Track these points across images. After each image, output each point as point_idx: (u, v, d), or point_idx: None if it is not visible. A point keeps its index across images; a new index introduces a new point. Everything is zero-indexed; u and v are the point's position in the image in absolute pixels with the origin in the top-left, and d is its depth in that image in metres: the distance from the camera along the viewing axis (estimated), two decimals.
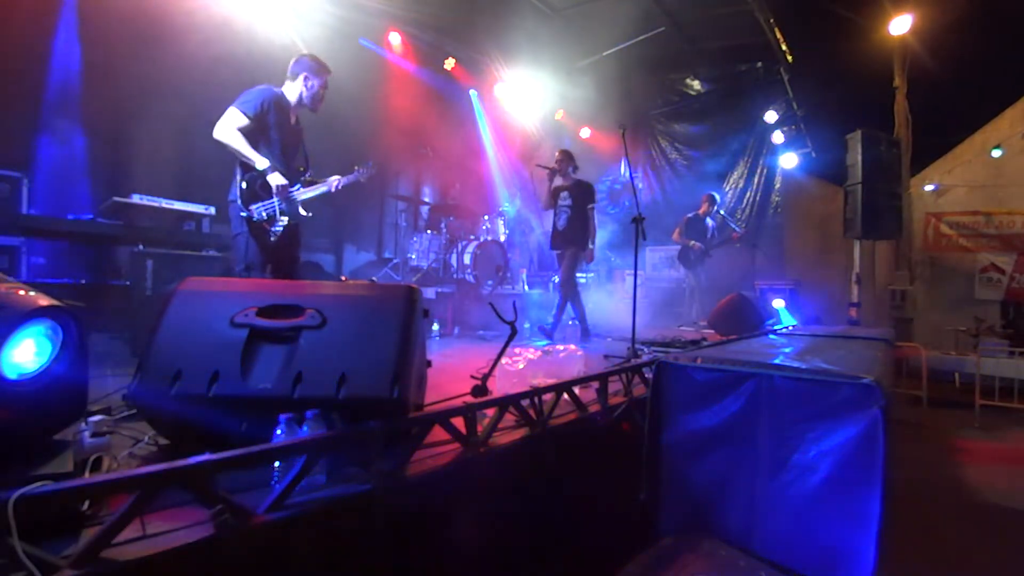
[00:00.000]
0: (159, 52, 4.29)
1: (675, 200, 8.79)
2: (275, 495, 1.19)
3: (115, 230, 3.59)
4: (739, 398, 1.85)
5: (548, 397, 2.05)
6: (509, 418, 1.87)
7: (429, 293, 5.25)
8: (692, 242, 6.67)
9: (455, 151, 7.45)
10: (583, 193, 4.77)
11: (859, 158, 5.64)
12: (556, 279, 5.86)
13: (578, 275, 7.20)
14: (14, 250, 3.53)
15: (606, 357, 3.47)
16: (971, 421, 4.55)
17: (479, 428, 1.72)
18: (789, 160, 7.89)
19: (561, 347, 2.79)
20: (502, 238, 6.33)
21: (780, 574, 1.65)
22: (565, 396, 2.12)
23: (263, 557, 1.14)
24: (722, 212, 7.44)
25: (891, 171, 5.96)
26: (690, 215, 6.87)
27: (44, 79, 4.03)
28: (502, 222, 6.47)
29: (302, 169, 3.08)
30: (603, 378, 2.36)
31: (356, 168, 3.18)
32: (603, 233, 8.01)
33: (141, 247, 3.42)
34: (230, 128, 2.74)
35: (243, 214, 2.78)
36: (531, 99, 7.95)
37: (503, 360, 2.29)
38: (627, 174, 8.85)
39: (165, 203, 3.81)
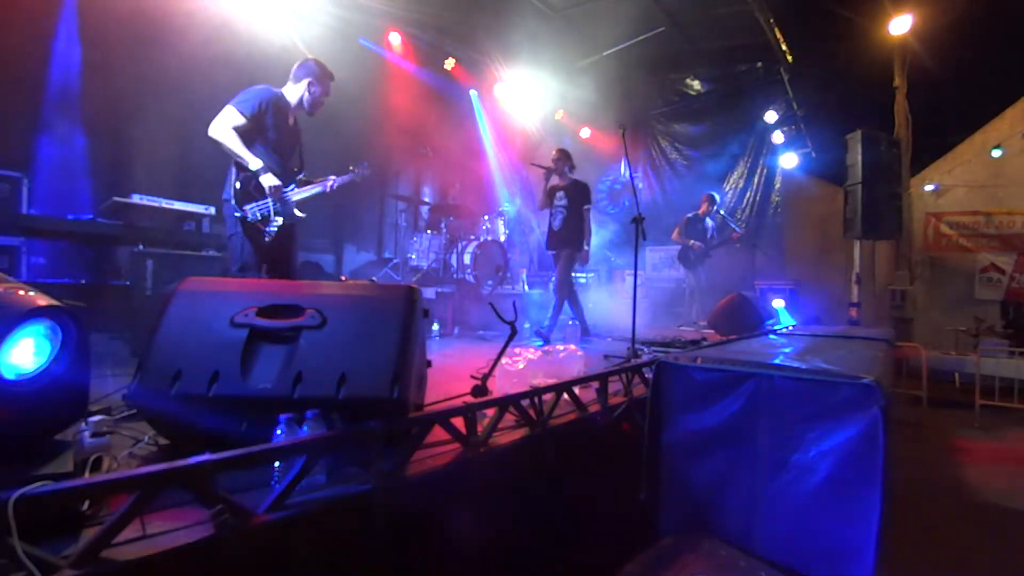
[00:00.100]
0: (159, 52, 4.29)
1: (675, 200, 8.79)
2: (275, 495, 1.19)
3: (115, 230, 3.59)
4: (739, 398, 1.85)
5: (548, 397, 2.05)
6: (509, 418, 1.87)
7: (429, 293, 5.25)
8: (692, 242, 6.67)
9: (455, 151, 7.45)
10: (579, 193, 4.72)
11: (859, 158, 5.64)
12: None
13: (577, 275, 7.24)
14: (14, 250, 3.53)
15: (606, 357, 3.47)
16: (971, 421, 4.55)
17: (479, 428, 1.72)
18: (789, 160, 7.89)
19: (561, 347, 2.79)
20: (502, 238, 6.33)
21: (780, 574, 1.65)
22: (565, 396, 2.12)
23: (263, 557, 1.14)
24: (722, 212, 7.45)
25: (891, 171, 5.96)
26: (690, 215, 6.86)
27: (44, 79, 4.04)
28: (502, 222, 6.47)
29: (296, 169, 3.08)
30: (603, 378, 2.36)
31: (351, 168, 3.18)
32: (604, 233, 8.05)
33: (141, 247, 3.42)
34: (225, 127, 2.73)
35: (237, 215, 2.78)
36: (531, 99, 7.95)
37: (503, 360, 2.29)
38: (627, 174, 8.85)
39: (165, 203, 3.81)
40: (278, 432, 1.33)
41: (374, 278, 5.96)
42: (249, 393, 1.43)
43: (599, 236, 7.94)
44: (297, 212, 2.99)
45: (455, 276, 5.75)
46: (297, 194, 2.99)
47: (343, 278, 5.87)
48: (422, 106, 6.82)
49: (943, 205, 6.79)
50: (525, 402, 1.91)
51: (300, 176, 3.05)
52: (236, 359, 1.47)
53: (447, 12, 6.34)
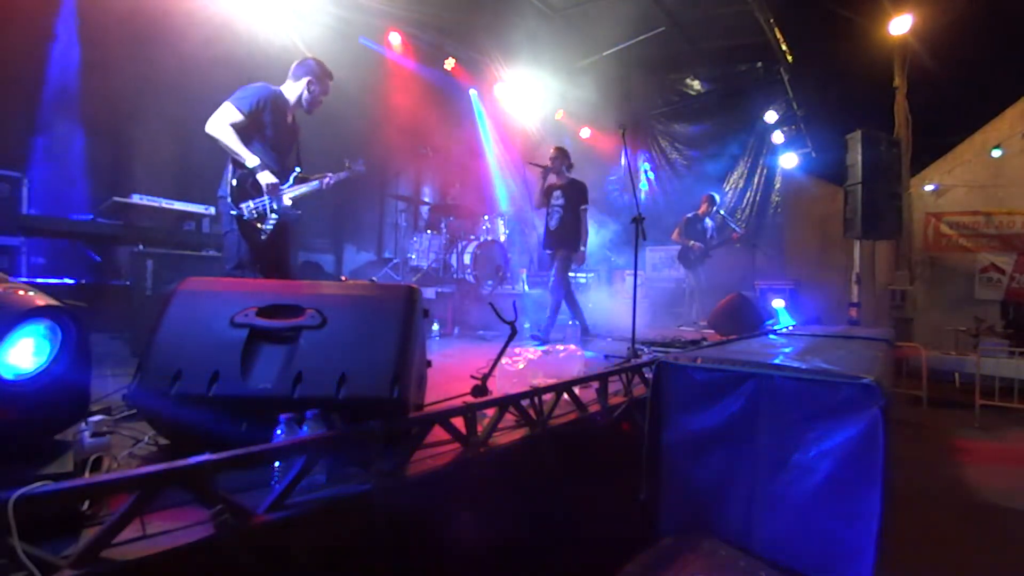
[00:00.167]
0: (159, 52, 4.29)
1: (675, 200, 8.80)
2: (275, 495, 1.19)
3: (115, 230, 3.59)
4: (739, 398, 1.85)
5: (548, 397, 2.05)
6: (509, 418, 1.87)
7: (429, 293, 5.26)
8: (692, 242, 6.67)
9: (455, 151, 7.45)
10: (576, 193, 4.66)
11: (859, 158, 5.64)
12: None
13: (577, 275, 7.24)
14: (14, 250, 3.53)
15: (606, 357, 3.47)
16: (971, 421, 4.55)
17: (479, 428, 1.72)
18: (789, 160, 7.90)
19: (561, 347, 2.79)
20: (502, 238, 6.34)
21: (780, 574, 1.65)
22: (565, 396, 2.12)
23: (263, 557, 1.14)
24: (722, 212, 7.45)
25: (891, 171, 5.96)
26: (689, 215, 6.87)
27: (44, 79, 4.04)
28: (502, 222, 6.47)
29: (293, 167, 3.06)
30: (603, 378, 2.36)
31: (347, 165, 3.17)
32: (604, 233, 8.05)
33: (141, 247, 3.42)
34: (223, 123, 2.72)
35: (233, 212, 2.77)
36: (531, 99, 7.95)
37: (503, 360, 2.29)
38: (627, 171, 8.85)
39: (165, 203, 3.81)
40: (278, 432, 1.33)
41: (374, 278, 5.96)
42: (249, 393, 1.43)
43: (599, 236, 7.96)
44: (293, 210, 2.96)
45: (455, 276, 5.75)
46: (293, 191, 2.97)
47: (343, 278, 5.87)
48: (422, 106, 6.82)
49: (943, 205, 6.80)
50: (525, 402, 1.91)
51: (295, 173, 3.02)
52: (236, 359, 1.47)
53: (447, 12, 6.34)
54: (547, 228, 4.80)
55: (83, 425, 1.30)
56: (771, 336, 3.51)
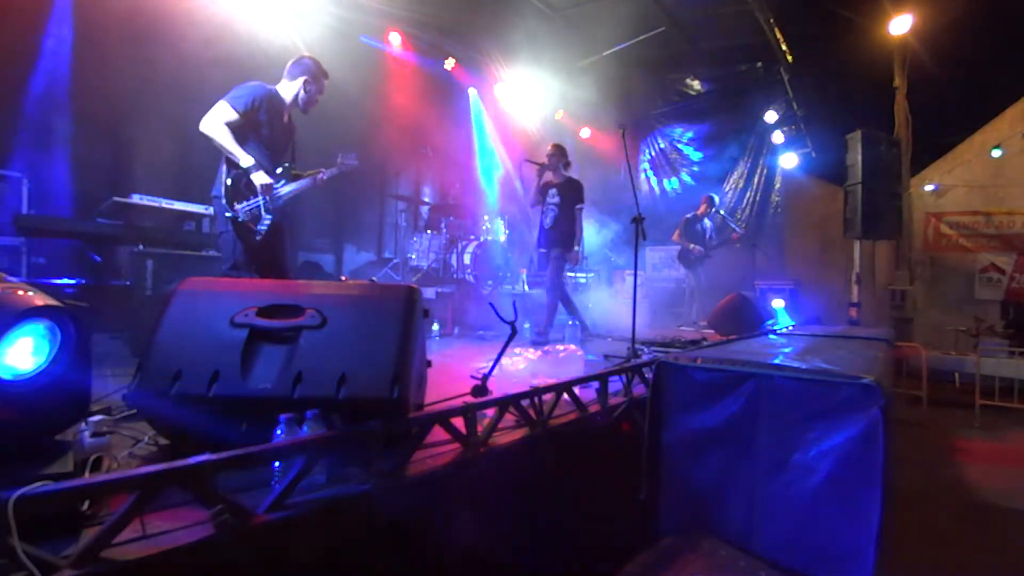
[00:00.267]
0: (159, 52, 4.29)
1: (675, 200, 8.80)
2: (275, 495, 1.19)
3: (115, 230, 3.59)
4: (739, 398, 1.85)
5: (548, 397, 2.05)
6: (509, 418, 1.87)
7: (429, 293, 5.25)
8: (693, 245, 6.67)
9: (455, 151, 7.46)
10: (572, 191, 4.58)
11: (859, 158, 5.64)
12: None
13: (577, 275, 7.24)
14: (14, 250, 3.53)
15: (606, 357, 3.47)
16: (971, 421, 4.55)
17: (479, 428, 1.72)
18: (789, 160, 7.90)
19: (561, 347, 2.79)
20: (502, 238, 6.34)
21: (780, 574, 1.65)
22: (565, 396, 2.11)
23: (263, 557, 1.14)
24: (722, 212, 7.45)
25: (891, 171, 5.96)
26: (688, 216, 6.87)
27: (44, 80, 4.03)
28: (502, 222, 6.47)
29: (287, 166, 3.04)
30: (603, 378, 2.36)
31: (339, 160, 3.14)
32: (605, 232, 8.05)
33: (141, 247, 3.41)
34: (217, 122, 2.70)
35: (228, 215, 2.75)
36: (531, 99, 7.95)
37: (503, 360, 2.29)
38: (627, 172, 8.85)
39: (165, 203, 3.81)
40: (278, 432, 1.33)
41: (374, 278, 5.96)
42: (249, 393, 1.43)
43: (600, 236, 7.95)
44: (288, 209, 2.93)
45: (455, 276, 5.75)
46: (287, 189, 2.95)
47: (343, 278, 5.87)
48: (422, 106, 6.82)
49: (943, 205, 6.80)
50: (525, 402, 1.91)
51: (283, 168, 2.99)
52: (236, 359, 1.47)
53: (447, 12, 6.34)
54: (541, 227, 4.72)
55: (83, 425, 1.30)
56: (771, 336, 3.51)
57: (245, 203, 2.78)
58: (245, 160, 2.74)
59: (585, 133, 8.81)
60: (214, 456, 1.10)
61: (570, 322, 4.68)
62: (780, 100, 7.79)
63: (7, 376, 1.24)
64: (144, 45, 4.22)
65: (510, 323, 2.25)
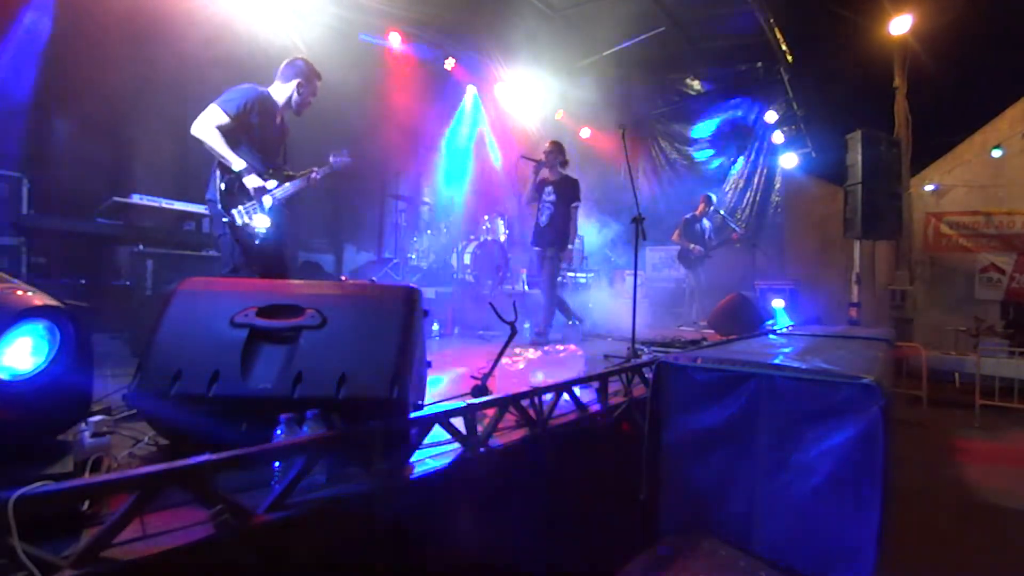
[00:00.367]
0: (160, 52, 4.29)
1: (675, 200, 8.80)
2: (275, 495, 1.19)
3: (115, 230, 3.59)
4: (739, 398, 1.85)
5: (548, 397, 2.05)
6: (509, 418, 1.87)
7: (429, 293, 5.25)
8: (693, 245, 6.68)
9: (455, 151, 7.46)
10: (568, 190, 4.53)
11: (859, 158, 5.64)
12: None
13: (578, 275, 7.24)
14: (14, 250, 3.53)
15: (606, 357, 3.47)
16: (971, 421, 4.55)
17: (479, 428, 1.72)
18: (789, 160, 7.90)
19: (561, 347, 2.79)
20: (502, 238, 6.34)
21: (780, 574, 1.65)
22: (565, 396, 2.12)
23: (263, 557, 1.14)
24: (722, 212, 7.45)
25: (891, 171, 5.96)
26: (688, 216, 6.88)
27: (44, 79, 4.03)
28: (502, 222, 6.47)
29: (280, 167, 3.04)
30: (603, 378, 2.36)
31: (331, 158, 3.13)
32: (606, 232, 8.04)
33: (141, 247, 3.41)
34: (208, 125, 2.69)
35: (224, 219, 2.75)
36: (531, 99, 7.95)
37: (503, 360, 2.29)
38: (627, 172, 8.85)
39: (165, 203, 3.81)
40: (278, 432, 1.33)
41: (374, 278, 5.96)
42: (249, 393, 1.43)
43: (600, 236, 7.95)
44: (283, 209, 2.93)
45: (455, 276, 5.75)
46: (281, 191, 2.94)
47: (343, 278, 5.87)
48: (422, 106, 6.82)
49: (943, 205, 6.80)
50: (525, 402, 1.91)
51: (275, 170, 2.98)
52: (236, 359, 1.47)
53: (447, 12, 6.34)
54: (536, 224, 4.66)
55: (83, 425, 1.30)
56: (771, 336, 3.51)
57: (240, 206, 2.78)
58: (237, 164, 2.73)
59: (585, 133, 8.81)
60: (214, 456, 1.10)
61: (569, 322, 4.69)
62: (780, 100, 7.79)
63: (6, 376, 1.24)
64: (144, 45, 4.21)
65: (510, 323, 2.25)
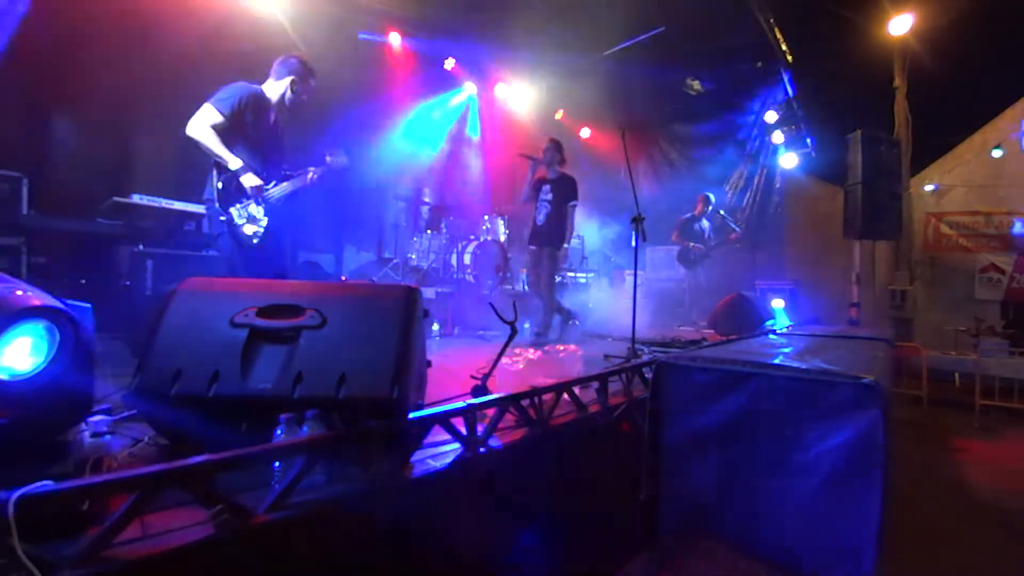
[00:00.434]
0: (160, 51, 4.29)
1: (675, 200, 8.78)
2: (275, 495, 1.19)
3: (115, 230, 3.59)
4: (739, 398, 1.85)
5: (548, 397, 2.05)
6: (509, 418, 1.87)
7: (429, 293, 5.25)
8: (692, 244, 6.68)
9: (455, 151, 7.46)
10: (565, 188, 4.51)
11: (859, 158, 5.64)
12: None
13: (578, 275, 7.24)
14: (14, 250, 3.53)
15: (606, 357, 3.47)
16: (971, 421, 4.55)
17: (479, 428, 1.72)
18: (789, 160, 7.90)
19: (561, 347, 2.79)
20: (502, 238, 6.34)
21: (780, 574, 1.65)
22: (565, 396, 2.12)
23: (263, 557, 1.14)
24: (722, 212, 7.45)
25: (891, 171, 5.96)
26: (686, 216, 6.89)
27: (44, 79, 4.03)
28: (502, 222, 6.47)
29: (277, 166, 3.02)
30: (603, 378, 2.36)
31: (328, 157, 3.12)
32: (606, 232, 8.04)
33: (141, 247, 3.41)
34: (203, 125, 2.67)
35: (222, 218, 2.74)
36: (531, 99, 7.95)
37: (503, 360, 2.29)
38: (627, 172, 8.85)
39: (165, 203, 3.81)
40: (278, 432, 1.33)
41: (374, 278, 5.97)
42: (249, 393, 1.43)
43: (600, 236, 7.95)
44: (280, 208, 2.91)
45: (455, 276, 5.75)
46: (278, 190, 2.92)
47: (343, 278, 5.87)
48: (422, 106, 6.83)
49: (943, 205, 6.79)
50: (525, 402, 1.91)
51: (272, 168, 2.97)
52: (236, 359, 1.47)
53: (447, 12, 6.34)
54: (533, 223, 4.64)
55: (83, 425, 1.30)
56: (771, 336, 3.50)
57: (238, 206, 2.77)
58: (233, 163, 2.72)
59: (585, 133, 8.81)
60: (214, 456, 1.10)
61: (570, 322, 4.69)
62: (780, 100, 7.79)
63: (5, 376, 1.24)
64: (145, 44, 4.21)
65: (510, 323, 2.25)
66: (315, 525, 1.22)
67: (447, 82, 7.30)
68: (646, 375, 2.56)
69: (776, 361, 1.91)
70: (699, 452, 1.92)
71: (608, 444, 2.25)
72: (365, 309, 1.64)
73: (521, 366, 2.43)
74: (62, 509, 1.02)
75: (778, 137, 7.89)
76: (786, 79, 7.36)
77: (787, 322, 5.57)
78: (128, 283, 3.56)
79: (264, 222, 2.82)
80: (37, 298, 1.33)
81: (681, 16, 6.87)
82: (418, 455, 1.56)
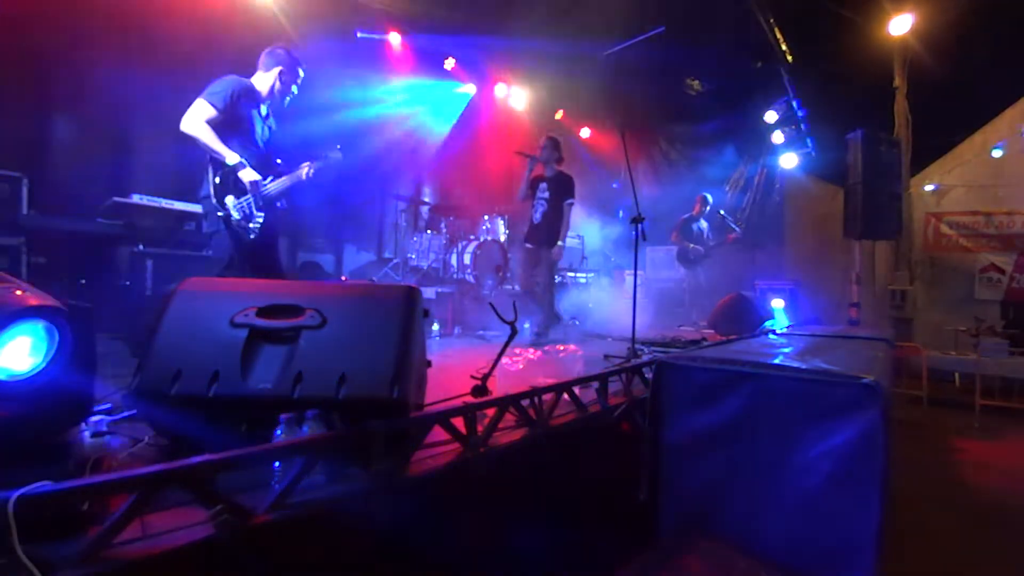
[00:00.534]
0: (160, 51, 4.29)
1: (676, 201, 8.79)
2: (275, 495, 1.19)
3: (115, 230, 3.59)
4: (739, 398, 1.85)
5: (548, 397, 2.05)
6: (509, 418, 1.87)
7: (429, 293, 5.25)
8: (692, 245, 6.68)
9: (455, 151, 7.46)
10: (562, 186, 4.47)
11: (859, 158, 5.64)
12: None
13: (578, 275, 7.24)
14: (14, 250, 3.53)
15: (606, 357, 3.47)
16: (971, 421, 4.55)
17: (479, 428, 1.72)
18: (789, 160, 7.90)
19: (561, 347, 2.79)
20: (502, 238, 6.34)
21: (780, 574, 1.65)
22: (565, 396, 2.12)
23: (263, 557, 1.14)
24: (722, 212, 7.46)
25: (891, 171, 5.96)
26: (685, 216, 6.89)
27: (44, 79, 4.03)
28: (502, 222, 6.47)
29: (272, 160, 3.01)
30: (603, 378, 2.36)
31: (324, 154, 3.11)
32: (607, 232, 8.04)
33: (141, 247, 3.41)
34: (198, 120, 2.65)
35: (220, 214, 2.72)
36: (531, 99, 7.95)
37: (503, 360, 2.29)
38: (627, 172, 8.85)
39: (165, 203, 3.81)
40: (278, 432, 1.33)
41: (374, 278, 5.97)
42: (249, 393, 1.43)
43: (600, 236, 7.95)
44: (276, 204, 2.91)
45: (455, 276, 5.75)
46: (275, 185, 2.90)
47: (343, 278, 5.87)
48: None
49: (943, 205, 6.80)
50: (525, 402, 1.91)
51: (268, 163, 2.95)
52: (236, 359, 1.47)
53: (447, 12, 6.34)
54: (531, 222, 4.60)
55: (83, 425, 1.30)
56: (771, 336, 3.51)
57: (235, 201, 2.76)
58: (231, 157, 2.70)
59: (585, 133, 8.81)
60: (214, 456, 1.10)
61: (571, 321, 4.68)
62: (780, 100, 7.79)
63: (4, 377, 1.24)
64: (145, 44, 4.21)
65: (510, 323, 2.25)
66: (315, 525, 1.22)
67: (447, 82, 7.29)
68: (646, 375, 2.56)
69: (776, 361, 1.92)
70: (699, 452, 1.93)
71: (608, 444, 2.24)
72: (365, 309, 1.64)
73: (521, 366, 2.43)
74: (62, 509, 1.02)
75: (778, 137, 7.89)
76: (786, 79, 7.37)
77: (787, 322, 5.57)
78: (128, 283, 3.56)
79: (260, 217, 2.81)
80: (36, 298, 1.33)
81: (681, 16, 6.88)
82: (418, 455, 1.56)
